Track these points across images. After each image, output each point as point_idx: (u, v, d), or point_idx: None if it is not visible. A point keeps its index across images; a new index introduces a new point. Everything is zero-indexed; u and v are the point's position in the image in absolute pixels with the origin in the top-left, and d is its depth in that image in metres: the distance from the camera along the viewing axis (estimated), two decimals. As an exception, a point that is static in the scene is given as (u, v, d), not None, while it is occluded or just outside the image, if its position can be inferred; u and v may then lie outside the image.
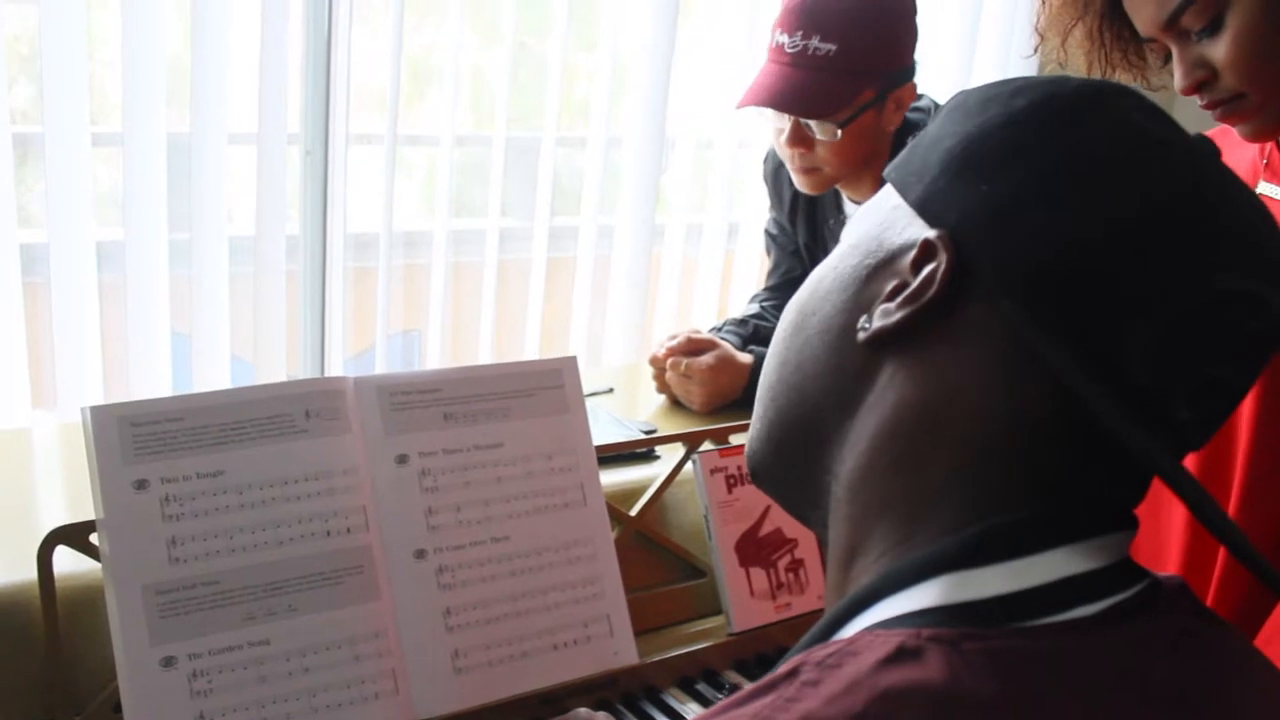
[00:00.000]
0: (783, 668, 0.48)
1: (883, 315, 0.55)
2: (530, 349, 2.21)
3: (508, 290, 2.16)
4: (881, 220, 0.59)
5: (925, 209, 0.56)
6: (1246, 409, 1.04)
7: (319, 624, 1.00)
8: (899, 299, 0.55)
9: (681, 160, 2.37)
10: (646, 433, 1.50)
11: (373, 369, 1.98)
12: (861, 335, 0.56)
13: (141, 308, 1.66)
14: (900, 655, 0.46)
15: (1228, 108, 1.02)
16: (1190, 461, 1.08)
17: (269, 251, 1.70)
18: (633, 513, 1.23)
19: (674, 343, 1.67)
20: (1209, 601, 1.08)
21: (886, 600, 0.51)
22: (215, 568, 0.98)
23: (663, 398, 1.71)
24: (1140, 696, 0.49)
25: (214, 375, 1.72)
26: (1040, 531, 0.52)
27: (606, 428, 1.49)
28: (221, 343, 1.72)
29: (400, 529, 1.06)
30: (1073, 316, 0.51)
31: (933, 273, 0.54)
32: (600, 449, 1.19)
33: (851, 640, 0.48)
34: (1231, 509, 1.05)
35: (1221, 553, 1.08)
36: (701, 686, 1.17)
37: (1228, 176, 0.55)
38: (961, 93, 0.61)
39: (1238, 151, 1.14)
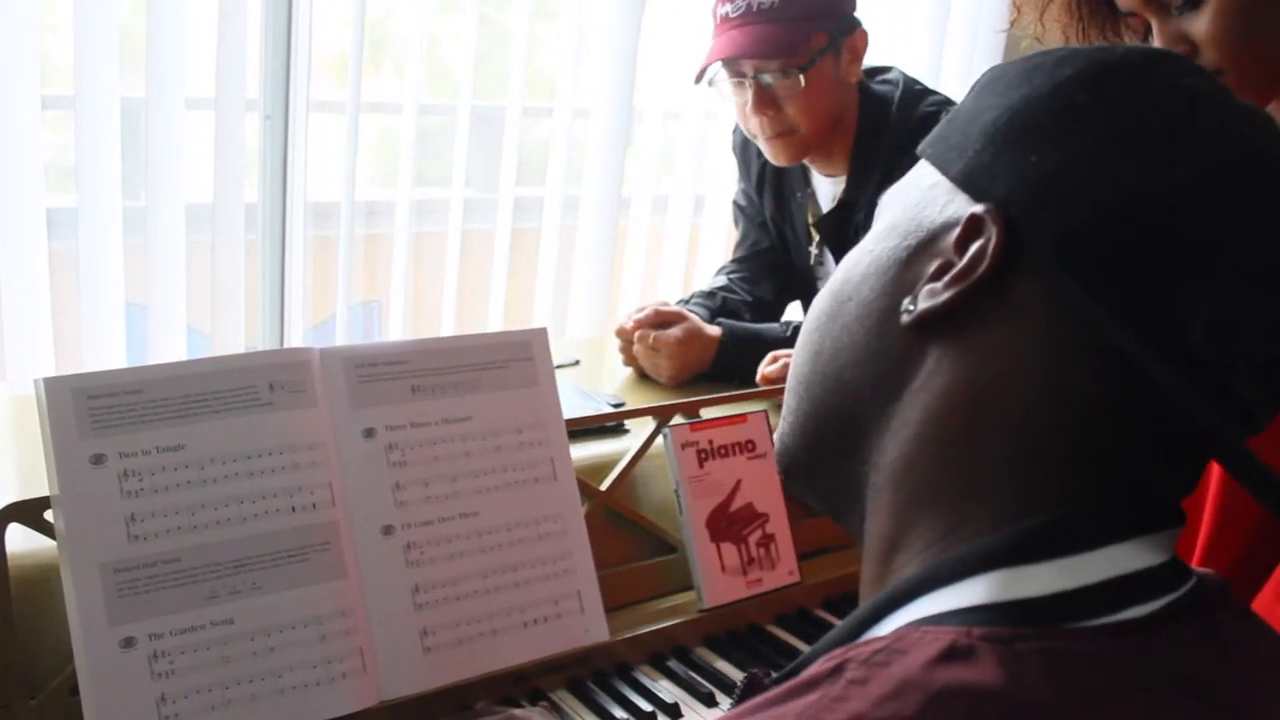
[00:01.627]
0: (824, 664, 0.46)
1: (929, 296, 0.53)
2: (494, 321, 2.18)
3: (471, 261, 2.12)
4: (918, 199, 0.56)
5: (969, 183, 0.53)
6: None
7: (284, 602, 0.98)
8: (946, 278, 0.52)
9: (648, 132, 2.34)
10: (614, 405, 1.48)
11: (333, 340, 1.95)
12: (906, 318, 0.53)
13: (94, 277, 1.61)
14: (952, 654, 0.44)
15: None
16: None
17: (227, 220, 1.66)
18: (603, 488, 1.21)
19: (642, 315, 1.65)
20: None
21: (931, 595, 0.49)
22: (176, 545, 0.95)
23: (629, 370, 1.69)
24: (1197, 701, 0.47)
25: (170, 347, 1.68)
26: (1093, 527, 0.50)
27: (573, 400, 1.47)
28: (178, 313, 1.68)
29: (367, 504, 1.03)
30: (1131, 290, 0.49)
31: (982, 249, 0.51)
32: (570, 423, 1.17)
33: (898, 636, 0.46)
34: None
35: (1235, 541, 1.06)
36: (673, 663, 1.16)
37: None
38: (996, 67, 0.58)
39: None
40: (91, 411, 0.94)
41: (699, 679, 1.14)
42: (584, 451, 1.27)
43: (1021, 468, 0.51)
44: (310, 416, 1.02)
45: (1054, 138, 0.51)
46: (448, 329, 2.09)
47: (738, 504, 1.27)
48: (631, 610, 1.20)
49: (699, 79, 1.63)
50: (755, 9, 1.55)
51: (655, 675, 1.15)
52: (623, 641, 1.15)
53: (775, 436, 0.63)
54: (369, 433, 1.05)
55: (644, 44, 2.19)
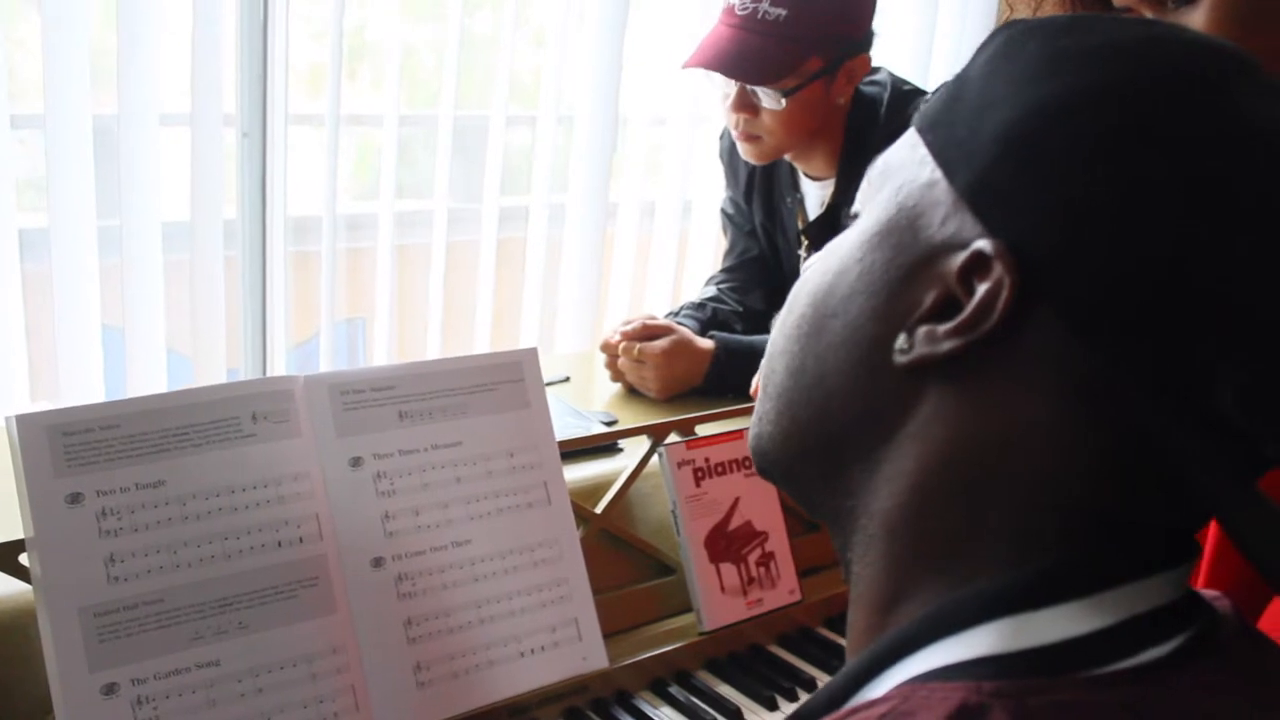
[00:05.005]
0: None
1: (928, 340, 0.47)
2: (481, 334, 2.14)
3: (456, 273, 2.09)
4: (915, 199, 0.49)
5: (979, 204, 0.46)
6: None
7: (272, 641, 0.94)
8: (948, 325, 0.46)
9: (634, 137, 2.31)
10: (606, 423, 1.45)
11: (317, 358, 1.91)
12: (901, 359, 0.48)
13: (69, 298, 1.57)
14: (963, 715, 0.40)
15: None
16: None
17: (205, 238, 1.62)
18: (598, 510, 1.18)
19: (628, 328, 1.62)
20: None
21: (933, 646, 0.45)
22: (158, 585, 0.91)
23: (620, 385, 1.66)
24: None
25: (149, 370, 1.64)
26: (1102, 568, 0.46)
27: (564, 419, 1.43)
28: (156, 335, 1.64)
29: (356, 536, 1.00)
30: (1164, 361, 0.43)
31: (990, 298, 0.45)
32: (563, 444, 1.14)
33: (903, 697, 0.43)
34: None
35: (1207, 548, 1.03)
36: (674, 689, 1.13)
37: None
38: (1013, 30, 0.49)
39: None
40: (67, 449, 0.90)
41: (701, 704, 1.11)
42: (577, 473, 1.24)
43: (1028, 519, 0.47)
44: (295, 447, 0.99)
45: (1083, 166, 0.44)
46: (434, 344, 2.06)
47: (736, 522, 1.24)
48: (630, 635, 1.17)
49: (685, 66, 1.59)
50: (760, 16, 1.50)
51: (656, 702, 1.12)
52: (622, 668, 1.12)
53: (751, 433, 0.57)
54: (356, 462, 1.02)
55: (628, 49, 2.16)
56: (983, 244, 0.45)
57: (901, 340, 0.48)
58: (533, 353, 1.14)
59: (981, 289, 0.45)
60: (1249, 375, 0.43)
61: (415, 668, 1.00)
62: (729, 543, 1.23)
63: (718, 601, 1.20)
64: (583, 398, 1.62)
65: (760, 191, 1.83)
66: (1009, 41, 0.48)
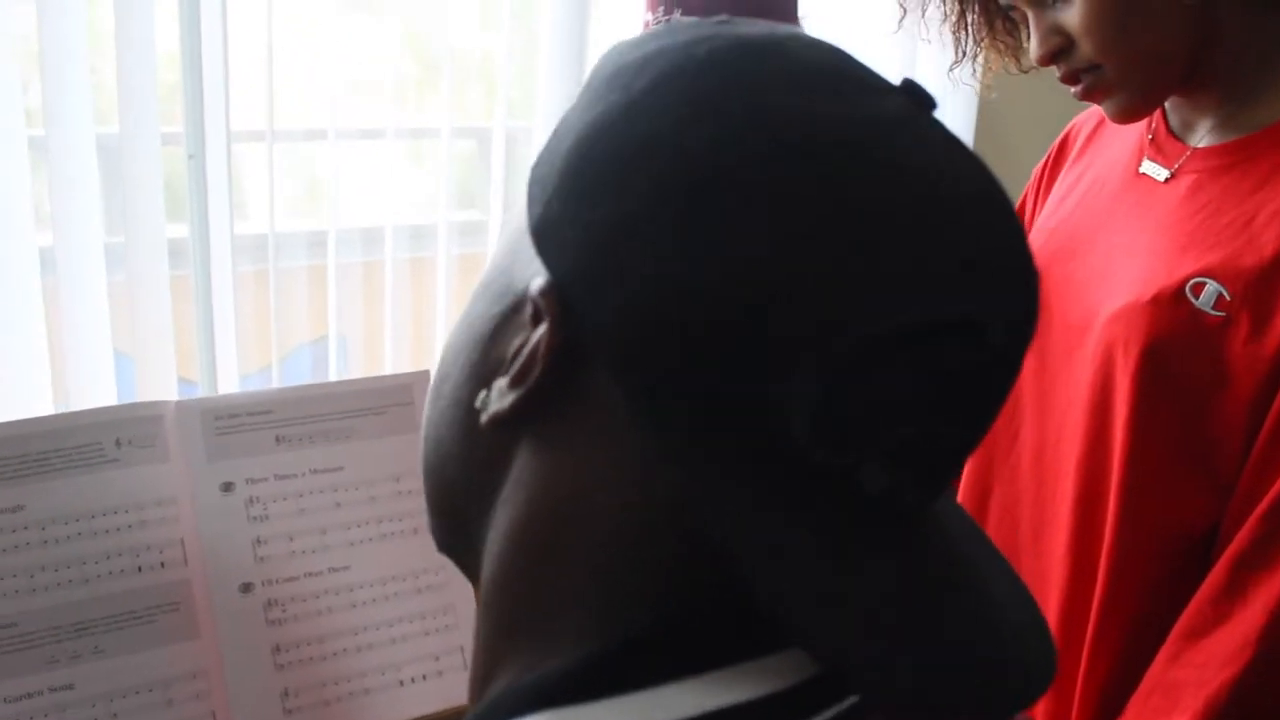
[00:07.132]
0: None
1: (499, 395, 0.43)
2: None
3: (420, 290, 2.08)
4: (515, 245, 0.44)
5: (539, 243, 0.41)
6: (1120, 415, 0.97)
7: (128, 666, 0.94)
8: (511, 374, 0.42)
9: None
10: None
11: (288, 377, 1.91)
12: (482, 418, 0.43)
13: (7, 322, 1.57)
14: None
15: (1088, 81, 0.98)
16: (1080, 468, 1.00)
17: (142, 259, 1.62)
18: (494, 534, 1.17)
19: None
20: (1084, 653, 1.00)
21: None
22: (13, 609, 0.92)
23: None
24: None
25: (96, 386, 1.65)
26: (668, 656, 0.40)
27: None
28: (103, 350, 1.64)
29: (224, 562, 1.00)
30: (706, 391, 0.38)
31: (536, 346, 0.41)
32: (457, 468, 1.13)
33: None
34: (1111, 515, 0.99)
35: (1097, 594, 0.99)
36: (563, 717, 1.11)
37: (934, 159, 0.40)
38: (616, 50, 0.45)
39: (1126, 129, 1.08)
40: (-76, 473, 0.91)
41: (590, 734, 1.09)
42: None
43: (599, 594, 0.41)
44: (161, 472, 0.99)
45: (616, 188, 0.39)
46: (401, 364, 2.05)
47: (642, 547, 1.22)
48: (525, 661, 1.15)
49: None
50: None
51: (544, 731, 1.10)
52: (511, 696, 1.10)
53: None
54: (227, 486, 1.01)
55: (590, 57, 2.15)
56: (535, 284, 0.41)
57: (480, 397, 0.44)
58: (424, 375, 1.13)
59: (536, 335, 0.41)
60: (820, 399, 0.38)
61: (283, 694, 0.99)
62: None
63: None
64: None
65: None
66: (597, 64, 0.45)
